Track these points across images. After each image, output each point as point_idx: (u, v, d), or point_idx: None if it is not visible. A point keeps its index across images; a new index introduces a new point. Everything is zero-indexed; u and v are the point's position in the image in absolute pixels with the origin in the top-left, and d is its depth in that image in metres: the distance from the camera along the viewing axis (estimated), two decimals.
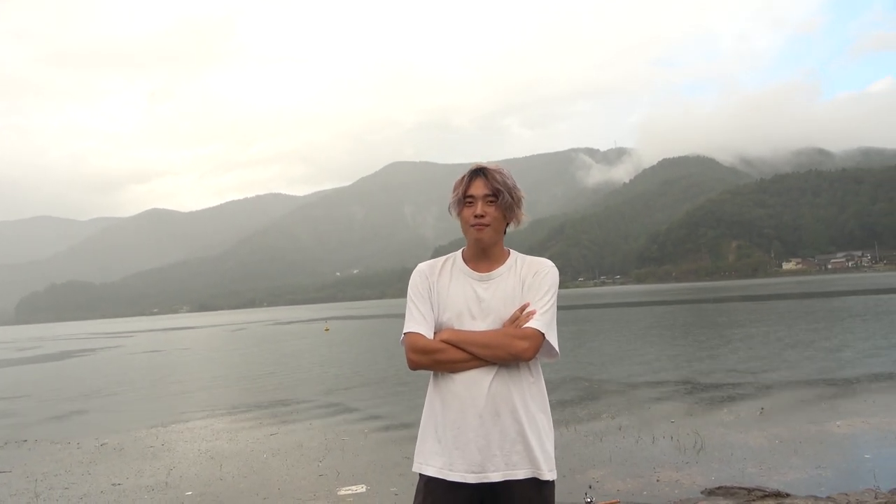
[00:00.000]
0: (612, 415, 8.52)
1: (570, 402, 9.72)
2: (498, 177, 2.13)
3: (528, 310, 2.11)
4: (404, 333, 2.16)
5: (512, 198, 2.14)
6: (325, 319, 57.12)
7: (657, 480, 5.52)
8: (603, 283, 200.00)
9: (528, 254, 2.28)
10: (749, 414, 8.08)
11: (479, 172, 2.15)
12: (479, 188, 2.13)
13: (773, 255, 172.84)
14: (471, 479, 2.05)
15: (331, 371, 16.34)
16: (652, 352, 16.39)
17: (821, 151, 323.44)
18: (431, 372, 2.20)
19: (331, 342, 28.22)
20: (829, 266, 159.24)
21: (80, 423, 10.70)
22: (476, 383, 2.07)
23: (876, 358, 12.62)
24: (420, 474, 2.14)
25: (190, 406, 11.81)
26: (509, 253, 2.23)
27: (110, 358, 28.41)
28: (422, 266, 2.25)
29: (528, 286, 2.15)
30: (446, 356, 2.09)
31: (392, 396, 11.43)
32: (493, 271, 2.18)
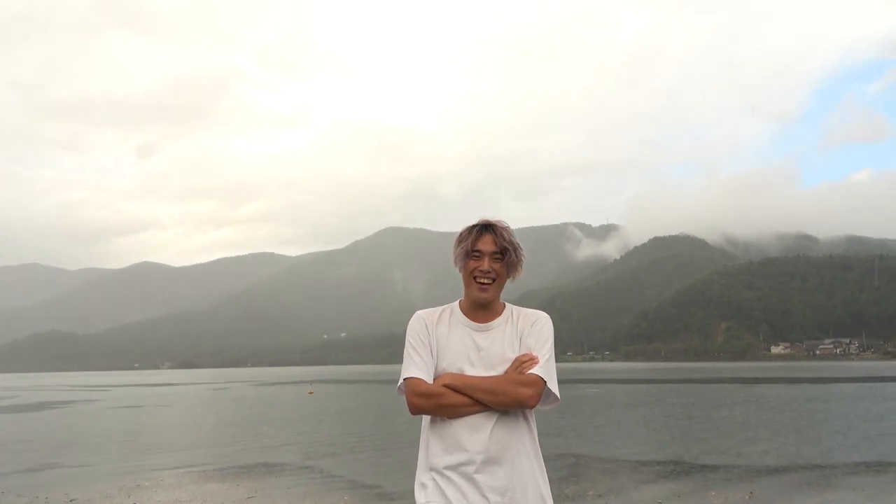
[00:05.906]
0: (598, 493, 8.34)
1: (555, 478, 9.52)
2: (505, 234, 2.20)
3: (530, 358, 2.14)
4: (404, 379, 2.16)
5: (517, 256, 2.21)
6: (310, 382, 56.21)
7: None
8: (592, 359, 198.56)
9: None
10: (737, 498, 7.93)
11: (487, 228, 2.21)
12: (487, 244, 2.19)
13: (761, 338, 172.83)
14: None
15: (312, 435, 15.97)
16: (640, 431, 16.16)
17: (806, 237, 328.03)
18: (425, 420, 2.20)
19: (314, 406, 27.67)
20: (818, 352, 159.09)
21: (51, 477, 10.35)
22: (478, 429, 2.09)
23: (863, 446, 12.53)
24: None
25: (165, 464, 11.47)
26: (505, 305, 2.28)
27: (87, 411, 27.71)
28: (420, 313, 2.28)
29: (528, 335, 2.19)
30: (449, 400, 2.09)
31: (373, 465, 11.14)
32: (491, 322, 2.22)
